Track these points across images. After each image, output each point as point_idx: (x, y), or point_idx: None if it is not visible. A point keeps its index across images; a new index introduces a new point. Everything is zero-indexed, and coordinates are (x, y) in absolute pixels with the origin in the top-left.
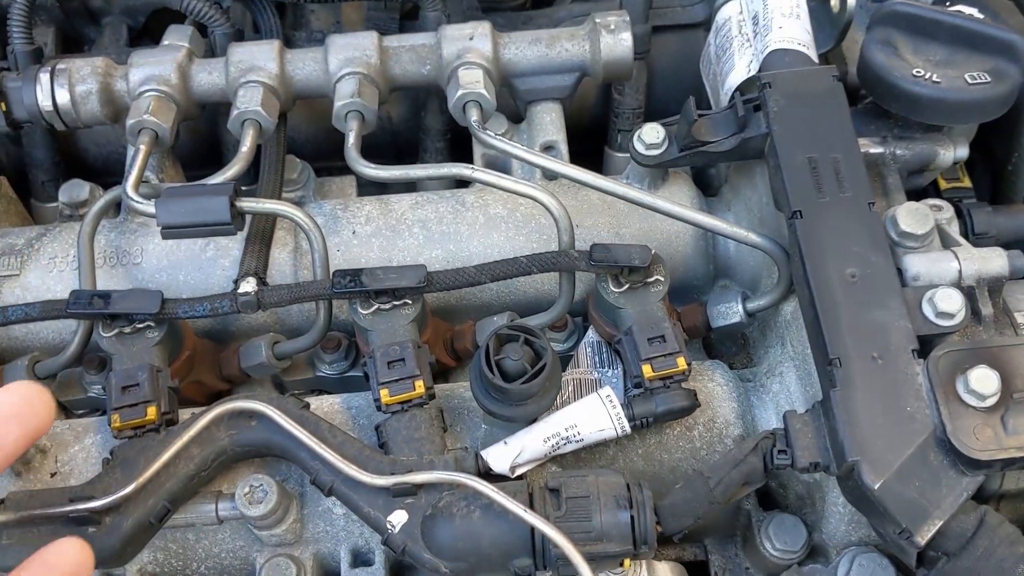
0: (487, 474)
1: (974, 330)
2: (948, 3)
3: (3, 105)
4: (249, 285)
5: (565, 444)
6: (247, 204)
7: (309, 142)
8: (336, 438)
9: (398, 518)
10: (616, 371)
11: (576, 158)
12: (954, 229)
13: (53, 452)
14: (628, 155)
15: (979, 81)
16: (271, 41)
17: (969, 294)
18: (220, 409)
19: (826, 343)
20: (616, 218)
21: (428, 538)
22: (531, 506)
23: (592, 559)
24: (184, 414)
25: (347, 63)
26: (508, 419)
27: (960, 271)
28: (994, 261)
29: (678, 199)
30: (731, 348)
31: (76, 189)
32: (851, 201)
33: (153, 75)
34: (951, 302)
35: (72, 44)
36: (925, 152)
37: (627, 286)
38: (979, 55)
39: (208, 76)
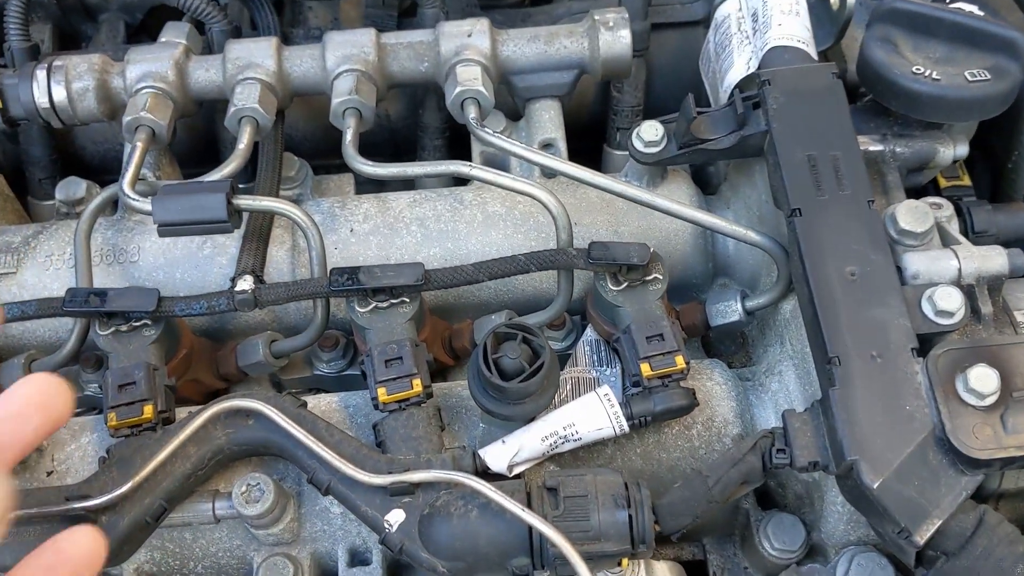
0: (485, 473)
1: (974, 329)
2: (948, 0)
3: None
4: (246, 283)
5: (563, 443)
6: (244, 202)
7: (307, 140)
8: (333, 437)
9: (395, 517)
10: (614, 370)
11: (575, 156)
12: (954, 227)
13: (49, 451)
14: (627, 153)
15: (979, 78)
16: (268, 38)
17: (969, 292)
18: (217, 408)
19: (825, 342)
20: (615, 216)
21: (425, 537)
22: (529, 505)
23: (590, 558)
24: (181, 413)
25: (345, 60)
26: (506, 418)
27: (960, 269)
28: (994, 259)
29: (677, 197)
30: (730, 347)
31: (73, 187)
32: (850, 199)
33: (150, 72)
34: (951, 300)
35: (69, 41)
36: (925, 150)
37: (625, 284)
38: (979, 52)
39: (205, 73)
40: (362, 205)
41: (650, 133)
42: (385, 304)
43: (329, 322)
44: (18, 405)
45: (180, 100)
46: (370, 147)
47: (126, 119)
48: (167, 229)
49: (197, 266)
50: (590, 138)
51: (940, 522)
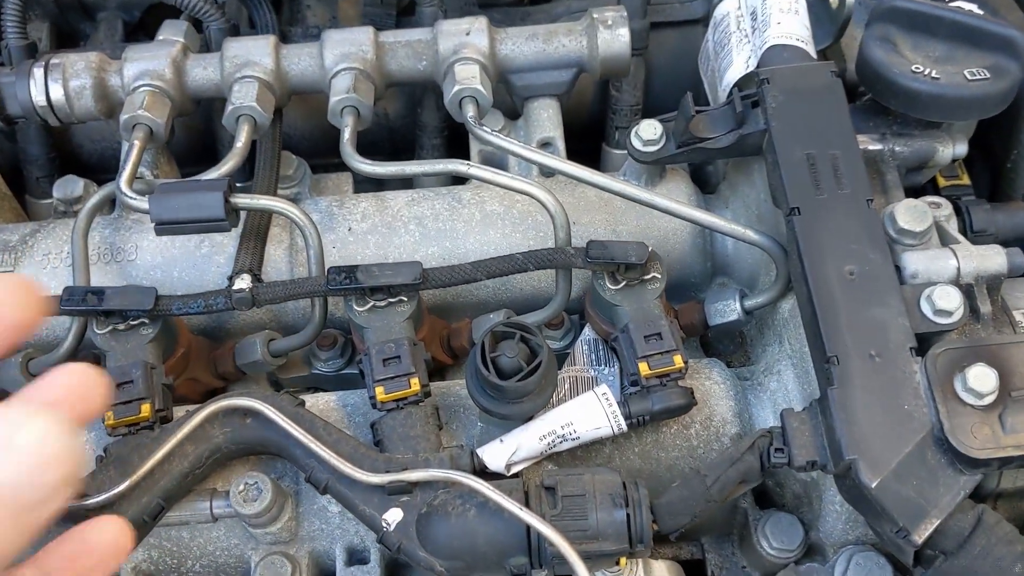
0: (483, 472)
1: (972, 328)
2: None
3: None
4: (244, 282)
5: (561, 442)
6: (242, 200)
7: (305, 139)
8: (331, 436)
9: (393, 516)
10: (612, 369)
11: (573, 155)
12: (953, 226)
13: None
14: (625, 152)
15: (978, 77)
16: (266, 36)
17: (967, 292)
18: (215, 406)
19: (824, 341)
20: (613, 215)
21: (423, 536)
22: (527, 504)
23: (588, 558)
24: (179, 411)
25: (343, 58)
26: (504, 417)
27: (958, 269)
28: (993, 259)
29: (676, 196)
30: (728, 346)
31: (70, 185)
32: (849, 198)
33: (147, 70)
34: (949, 300)
35: (67, 39)
36: (924, 149)
37: (624, 283)
38: (979, 51)
39: (203, 71)
40: (360, 204)
41: (649, 132)
42: (383, 303)
43: (327, 321)
44: (55, 395)
45: (178, 98)
46: (368, 146)
47: (123, 117)
48: (164, 228)
49: (195, 265)
50: (589, 138)
51: (938, 521)
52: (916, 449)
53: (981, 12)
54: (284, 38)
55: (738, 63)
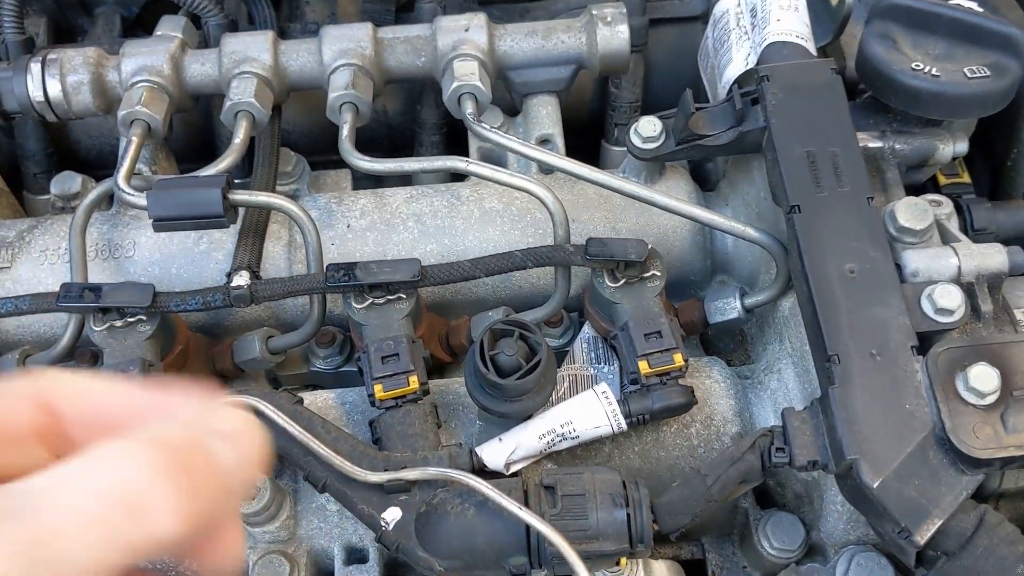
0: (481, 471)
1: (973, 327)
2: None
3: None
4: (242, 279)
5: (560, 441)
6: (240, 197)
7: (304, 135)
8: (329, 434)
9: (392, 515)
10: (612, 367)
11: (573, 152)
12: (953, 225)
13: None
14: (625, 149)
15: (979, 75)
16: (265, 32)
17: (968, 290)
18: None
19: (824, 340)
20: (612, 212)
21: (422, 535)
22: (526, 504)
23: (588, 558)
24: None
25: (341, 54)
26: (503, 415)
27: (959, 267)
28: (994, 257)
29: (675, 193)
30: (729, 344)
31: (68, 181)
32: (850, 196)
33: (145, 66)
34: (950, 298)
35: (64, 35)
36: (924, 147)
37: (623, 281)
38: (979, 49)
39: (201, 67)
40: (359, 201)
41: (648, 129)
42: (382, 300)
43: (326, 318)
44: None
45: (176, 94)
46: (367, 143)
47: (121, 113)
48: (162, 224)
49: (193, 261)
50: (588, 135)
51: (940, 522)
52: (918, 449)
53: (981, 10)
54: (283, 34)
55: (738, 60)
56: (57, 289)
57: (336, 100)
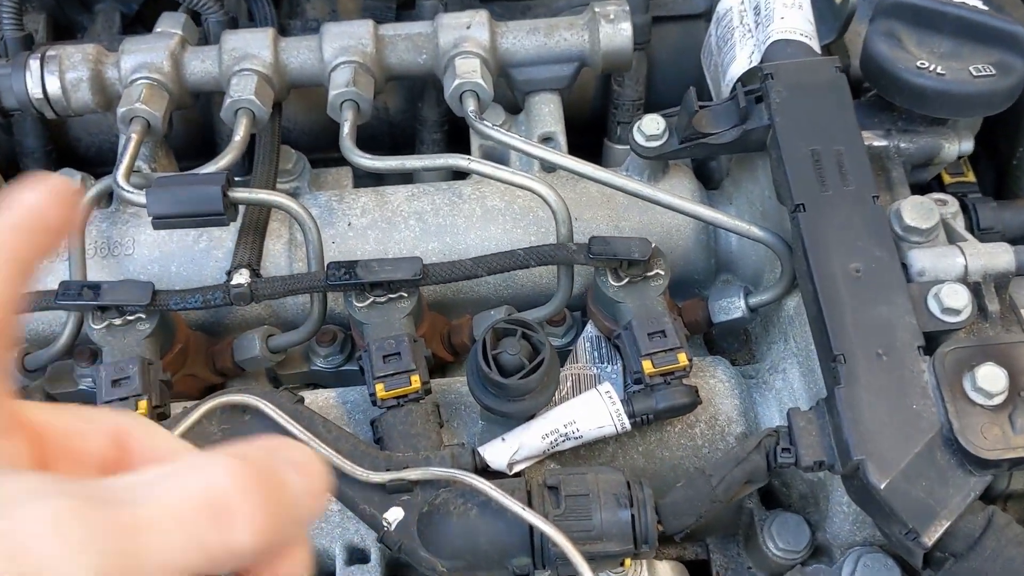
0: (484, 471)
1: (980, 327)
2: None
3: None
4: (242, 277)
5: (564, 441)
6: (240, 194)
7: (305, 133)
8: (331, 433)
9: (394, 515)
10: (615, 367)
11: (575, 151)
12: (959, 224)
13: None
14: (628, 147)
15: (984, 74)
16: (265, 29)
17: (975, 290)
18: (213, 403)
19: (830, 339)
20: (615, 211)
21: (425, 536)
22: (529, 504)
23: (592, 558)
24: (176, 408)
25: (342, 52)
26: (505, 415)
27: (966, 267)
28: (1000, 257)
29: (679, 192)
30: (733, 344)
31: (67, 178)
32: (855, 195)
33: (145, 63)
34: (957, 298)
35: (64, 31)
36: (929, 145)
37: (627, 280)
38: (984, 47)
39: (201, 64)
40: (360, 199)
41: (651, 127)
42: (383, 299)
43: (327, 317)
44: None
45: (176, 91)
46: (368, 140)
47: (120, 110)
48: (162, 222)
49: (193, 260)
50: (591, 133)
51: (948, 523)
52: (925, 449)
53: (987, 8)
54: (283, 31)
55: (741, 58)
56: (56, 287)
57: (337, 97)
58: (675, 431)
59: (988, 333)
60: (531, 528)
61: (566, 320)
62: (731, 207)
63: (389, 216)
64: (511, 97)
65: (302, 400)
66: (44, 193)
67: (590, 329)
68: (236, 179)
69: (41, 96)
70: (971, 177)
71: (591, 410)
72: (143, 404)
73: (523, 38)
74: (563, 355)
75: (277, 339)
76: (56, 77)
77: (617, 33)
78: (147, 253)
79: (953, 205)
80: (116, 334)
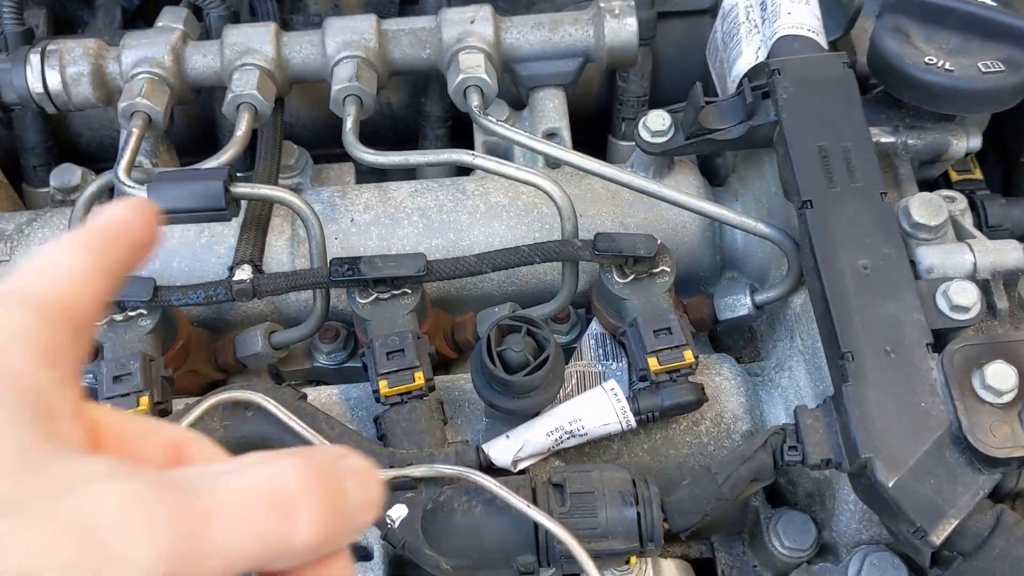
0: (489, 468)
1: (989, 324)
2: None
3: None
4: (244, 273)
5: (568, 438)
6: (242, 189)
7: (307, 128)
8: (334, 430)
9: (398, 512)
10: (621, 364)
11: (580, 147)
12: (968, 221)
13: None
14: (633, 143)
15: (992, 70)
16: (267, 24)
17: (984, 287)
18: (215, 399)
19: (837, 337)
20: (620, 207)
21: (429, 533)
22: (534, 501)
23: (597, 556)
24: (178, 404)
25: (345, 46)
26: (510, 412)
27: (975, 264)
28: (1010, 254)
29: (684, 188)
30: (739, 341)
31: (68, 174)
32: (862, 191)
33: (146, 57)
34: (966, 295)
35: (64, 27)
36: (937, 142)
37: (632, 277)
38: (993, 44)
39: (203, 59)
40: (363, 194)
41: (657, 123)
42: (386, 295)
43: (329, 313)
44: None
45: (177, 86)
46: (371, 136)
47: (121, 105)
48: (163, 217)
49: (194, 255)
50: (595, 129)
51: (957, 522)
52: (933, 448)
53: (995, 4)
54: (285, 26)
55: (748, 54)
56: None
57: (340, 93)
58: (681, 429)
59: (997, 331)
60: (536, 526)
61: (571, 317)
62: (737, 204)
63: (392, 212)
64: (515, 92)
65: (305, 397)
66: (132, 211)
67: (595, 326)
68: (238, 174)
69: (42, 91)
70: (978, 174)
71: (596, 407)
72: (144, 400)
73: (527, 33)
74: (568, 352)
75: (279, 335)
76: (57, 72)
77: (622, 28)
78: None
79: (961, 202)
80: (117, 330)
